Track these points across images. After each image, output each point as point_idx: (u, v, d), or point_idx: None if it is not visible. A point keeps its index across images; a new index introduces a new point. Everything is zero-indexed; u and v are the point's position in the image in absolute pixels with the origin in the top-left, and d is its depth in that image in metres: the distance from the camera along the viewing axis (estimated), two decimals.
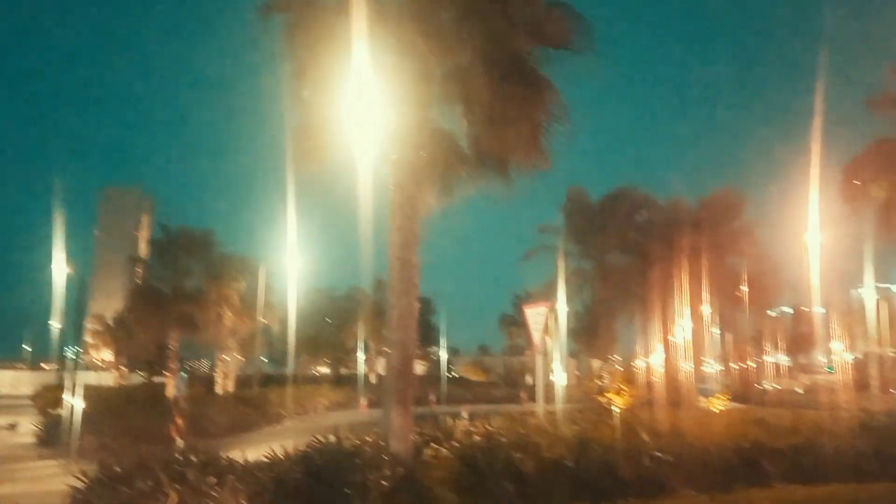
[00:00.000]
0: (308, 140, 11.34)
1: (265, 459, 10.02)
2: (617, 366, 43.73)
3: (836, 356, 50.93)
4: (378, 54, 10.38)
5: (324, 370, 62.31)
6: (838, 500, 12.07)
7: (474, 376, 70.15)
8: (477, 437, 12.03)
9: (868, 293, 50.84)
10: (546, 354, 21.89)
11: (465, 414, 16.97)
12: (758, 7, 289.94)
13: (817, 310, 57.02)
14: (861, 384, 42.46)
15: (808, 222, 28.28)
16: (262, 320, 34.35)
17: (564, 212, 34.77)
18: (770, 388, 55.83)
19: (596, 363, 43.70)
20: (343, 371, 55.57)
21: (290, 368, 42.80)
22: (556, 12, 11.01)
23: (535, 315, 15.66)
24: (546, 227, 34.61)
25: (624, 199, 34.01)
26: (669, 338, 32.10)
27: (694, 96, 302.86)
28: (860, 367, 50.36)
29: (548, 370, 24.55)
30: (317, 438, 11.08)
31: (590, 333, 39.30)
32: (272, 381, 38.90)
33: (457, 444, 11.40)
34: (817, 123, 23.43)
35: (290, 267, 28.63)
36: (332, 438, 11.01)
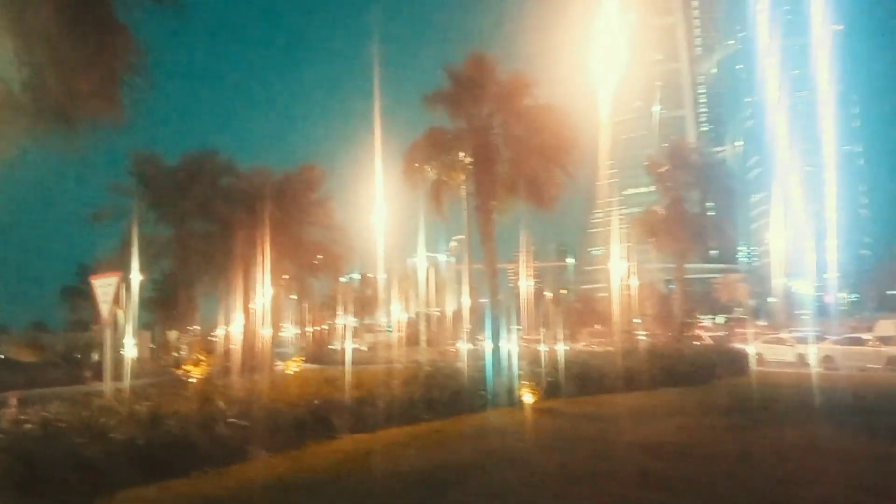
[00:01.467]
0: None
1: None
2: (196, 336, 42.70)
3: (395, 317, 58.05)
4: None
5: None
6: (393, 442, 13.89)
7: (27, 357, 60.98)
8: (30, 426, 10.60)
9: (420, 261, 59.13)
10: (116, 328, 20.24)
11: (13, 401, 14.71)
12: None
13: (380, 276, 64.06)
14: (413, 340, 49.43)
15: (375, 198, 31.63)
16: None
17: (136, 174, 32.25)
18: (340, 348, 60.98)
19: (173, 335, 41.96)
20: None
21: None
22: None
23: (103, 286, 14.32)
24: (117, 186, 31.64)
25: (205, 164, 33.09)
26: (250, 306, 32.54)
27: (285, 81, 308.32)
28: (413, 325, 58.36)
29: (118, 345, 22.73)
30: None
31: (167, 304, 37.54)
32: None
33: (1, 436, 9.90)
34: (377, 115, 26.47)
35: None
36: None
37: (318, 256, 37.31)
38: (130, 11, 10.23)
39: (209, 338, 40.69)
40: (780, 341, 39.21)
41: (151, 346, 48.97)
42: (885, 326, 40.74)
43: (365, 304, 77.50)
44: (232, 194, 32.68)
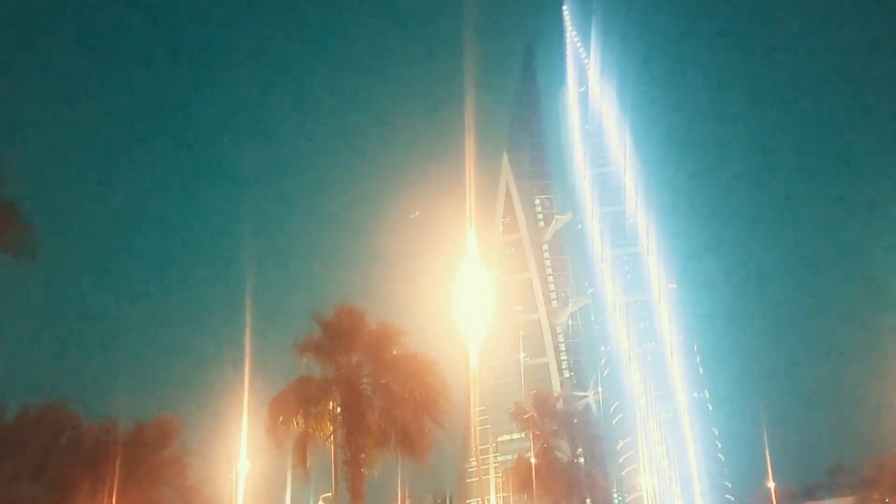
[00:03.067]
0: None
1: None
2: None
3: None
4: None
5: None
6: None
7: None
8: None
9: None
10: None
11: None
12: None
13: None
14: None
15: (239, 452, 29.57)
16: None
17: None
18: None
19: None
20: None
21: None
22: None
23: None
24: None
25: (46, 417, 30.06)
26: None
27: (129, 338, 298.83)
28: None
29: None
30: None
31: None
32: None
33: None
34: (247, 363, 25.95)
35: None
36: None
37: None
38: None
39: None
40: None
41: None
42: None
43: None
44: (74, 452, 29.49)
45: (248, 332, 29.89)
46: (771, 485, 67.46)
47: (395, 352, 24.27)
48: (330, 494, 33.09)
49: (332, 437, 23.55)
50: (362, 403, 23.31)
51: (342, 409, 23.29)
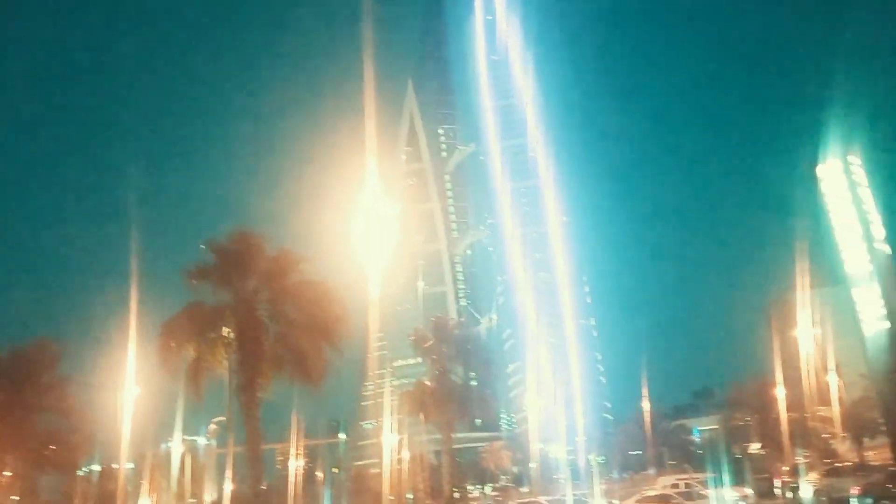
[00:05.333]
0: None
1: None
2: None
3: None
4: None
5: None
6: None
7: None
8: None
9: (176, 447, 53.49)
10: None
11: None
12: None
13: (127, 465, 56.53)
14: None
15: (125, 379, 28.66)
16: None
17: None
18: None
19: None
20: None
21: None
22: None
23: None
24: None
25: None
26: None
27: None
28: None
29: None
30: None
31: None
32: None
33: None
34: (134, 288, 24.90)
35: None
36: None
37: (51, 447, 32.24)
38: None
39: None
40: None
41: None
42: (667, 481, 43.56)
43: (106, 500, 67.26)
44: None
45: (135, 256, 28.61)
46: (644, 405, 72.94)
47: (293, 278, 23.94)
48: (224, 418, 32.96)
49: (226, 362, 23.24)
50: (258, 329, 23.04)
51: (237, 336, 22.95)
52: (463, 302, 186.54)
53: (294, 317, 23.28)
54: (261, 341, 23.18)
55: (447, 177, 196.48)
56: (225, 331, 23.26)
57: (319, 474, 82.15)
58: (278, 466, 56.58)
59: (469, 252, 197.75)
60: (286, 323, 23.42)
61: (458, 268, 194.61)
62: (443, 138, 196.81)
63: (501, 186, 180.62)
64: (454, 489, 41.66)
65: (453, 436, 43.68)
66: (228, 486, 40.80)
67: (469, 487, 63.97)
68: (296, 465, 46.29)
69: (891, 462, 43.96)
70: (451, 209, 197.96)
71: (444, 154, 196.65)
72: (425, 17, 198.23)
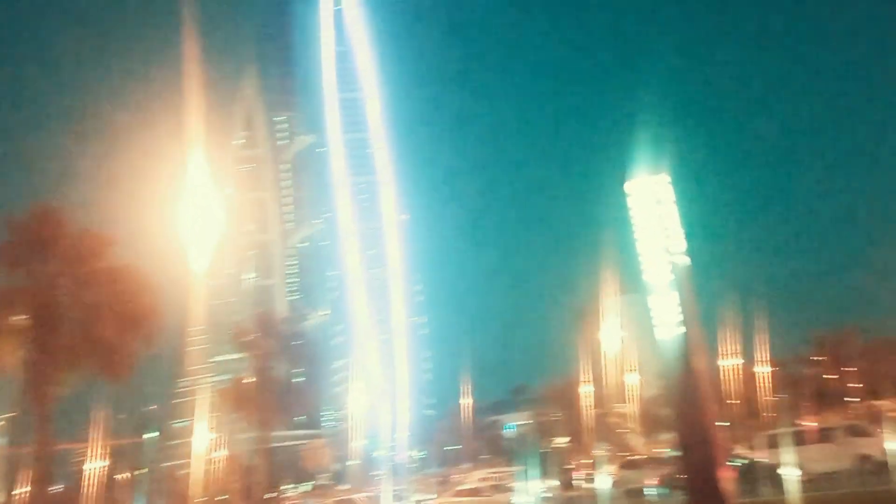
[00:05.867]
0: None
1: None
2: None
3: None
4: None
5: None
6: None
7: None
8: None
9: None
10: None
11: None
12: None
13: None
14: None
15: None
16: None
17: None
18: None
19: None
20: None
21: None
22: None
23: None
24: None
25: None
26: None
27: None
28: None
29: None
30: None
31: None
32: None
33: None
34: None
35: None
36: None
37: None
38: None
39: None
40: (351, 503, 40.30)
41: None
42: (475, 475, 45.17)
43: None
44: None
45: None
46: (463, 402, 75.84)
47: (100, 263, 22.18)
48: (14, 414, 29.73)
49: (19, 353, 21.06)
50: (55, 317, 21.10)
51: (33, 323, 20.87)
52: (294, 296, 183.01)
53: (98, 305, 21.58)
54: (58, 331, 21.25)
55: (285, 166, 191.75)
56: (18, 318, 21.09)
57: (124, 475, 76.58)
58: (74, 469, 51.96)
59: (303, 245, 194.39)
60: (89, 311, 21.67)
61: (292, 261, 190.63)
62: (283, 126, 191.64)
63: (340, 180, 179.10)
64: (269, 490, 40.69)
65: (273, 434, 42.72)
66: (22, 489, 36.86)
67: (285, 487, 62.71)
68: (94, 466, 42.76)
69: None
70: (287, 199, 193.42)
71: (284, 142, 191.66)
72: (269, 1, 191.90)
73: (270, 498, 39.98)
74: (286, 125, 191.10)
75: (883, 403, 51.47)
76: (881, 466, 28.03)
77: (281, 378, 42.33)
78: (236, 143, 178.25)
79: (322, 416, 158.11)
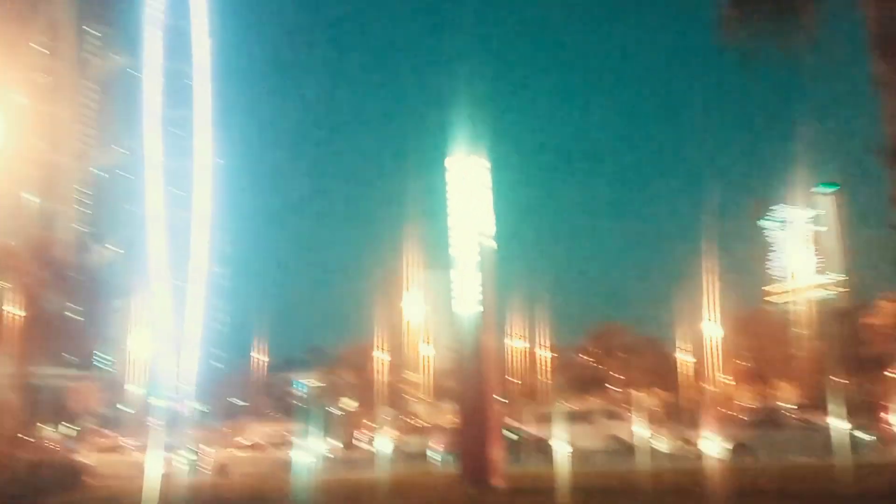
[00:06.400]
0: None
1: None
2: None
3: None
4: None
5: None
6: None
7: None
8: None
9: None
10: None
11: None
12: None
13: None
14: None
15: None
16: None
17: None
18: None
19: None
20: None
21: None
22: None
23: None
24: None
25: None
26: None
27: None
28: None
29: None
30: None
31: None
32: None
33: None
34: None
35: None
36: None
37: None
38: None
39: None
40: (118, 450, 37.65)
41: None
42: (258, 431, 44.18)
43: None
44: None
45: None
46: (255, 356, 74.43)
47: None
48: None
49: None
50: None
51: None
52: (82, 226, 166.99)
53: None
54: None
55: (92, 84, 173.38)
56: None
57: None
58: None
59: (101, 173, 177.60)
60: None
61: (86, 188, 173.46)
62: (95, 40, 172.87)
63: (152, 109, 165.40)
64: (22, 430, 36.94)
65: (35, 370, 38.78)
66: None
67: (43, 427, 57.63)
68: None
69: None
70: (90, 122, 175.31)
71: (95, 57, 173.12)
72: None
73: (23, 438, 36.36)
74: (99, 40, 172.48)
75: (637, 393, 58.41)
76: (628, 448, 32.15)
77: (52, 311, 38.39)
78: (36, 47, 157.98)
79: (97, 356, 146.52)
